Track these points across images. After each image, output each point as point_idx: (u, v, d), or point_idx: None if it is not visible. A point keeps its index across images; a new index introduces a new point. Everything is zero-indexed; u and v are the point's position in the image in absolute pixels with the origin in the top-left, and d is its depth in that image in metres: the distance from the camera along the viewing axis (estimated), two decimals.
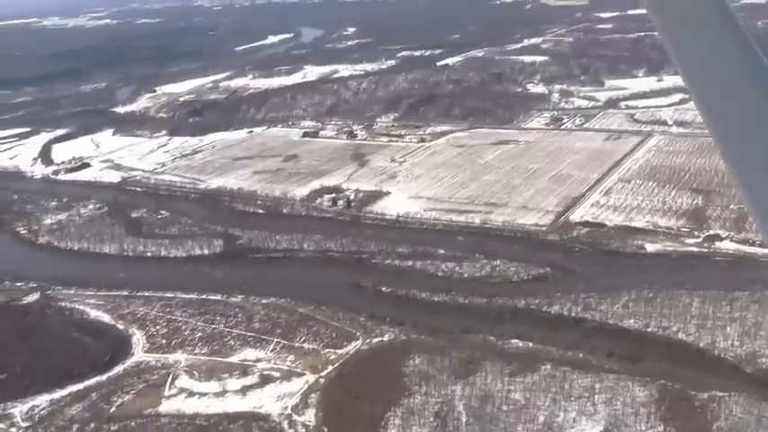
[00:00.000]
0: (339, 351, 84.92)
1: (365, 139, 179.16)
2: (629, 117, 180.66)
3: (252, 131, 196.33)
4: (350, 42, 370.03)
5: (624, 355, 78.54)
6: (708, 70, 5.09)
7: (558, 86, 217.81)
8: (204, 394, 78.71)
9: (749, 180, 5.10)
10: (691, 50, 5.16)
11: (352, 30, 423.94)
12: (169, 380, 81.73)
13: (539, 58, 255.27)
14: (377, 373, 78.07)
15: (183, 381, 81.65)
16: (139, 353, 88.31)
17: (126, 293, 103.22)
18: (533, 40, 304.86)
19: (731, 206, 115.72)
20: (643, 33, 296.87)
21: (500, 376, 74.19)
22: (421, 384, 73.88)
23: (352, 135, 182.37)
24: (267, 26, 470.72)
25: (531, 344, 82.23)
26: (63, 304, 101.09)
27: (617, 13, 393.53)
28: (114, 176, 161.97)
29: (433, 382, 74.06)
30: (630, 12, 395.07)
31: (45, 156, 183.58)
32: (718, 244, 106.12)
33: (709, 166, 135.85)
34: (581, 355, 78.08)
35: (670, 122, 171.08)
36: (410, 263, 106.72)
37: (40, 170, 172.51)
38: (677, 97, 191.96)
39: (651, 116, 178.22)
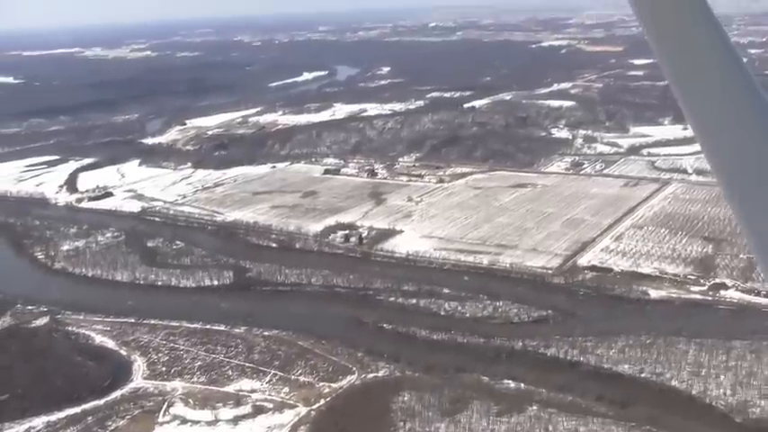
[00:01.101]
0: (333, 385, 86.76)
1: (385, 178, 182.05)
2: (649, 164, 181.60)
3: (275, 167, 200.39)
4: (382, 82, 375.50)
5: (614, 399, 79.36)
6: (688, 69, 5.33)
7: (582, 132, 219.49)
8: (197, 422, 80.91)
9: (731, 179, 5.29)
10: (672, 49, 5.37)
11: (386, 69, 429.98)
12: (164, 407, 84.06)
13: (566, 103, 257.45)
14: (366, 408, 79.73)
15: (178, 408, 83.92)
16: (139, 379, 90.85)
17: (133, 320, 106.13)
18: (563, 85, 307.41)
19: (740, 255, 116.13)
20: None
21: (486, 415, 75.46)
22: (407, 420, 75.33)
23: (372, 173, 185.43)
24: (303, 63, 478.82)
25: (522, 385, 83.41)
26: (70, 328, 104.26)
27: (650, 60, 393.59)
28: (135, 206, 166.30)
29: (419, 418, 75.52)
30: None
31: (70, 184, 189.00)
32: (723, 293, 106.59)
33: (724, 215, 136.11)
34: (570, 398, 79.05)
35: (690, 171, 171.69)
36: (414, 301, 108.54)
37: (64, 198, 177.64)
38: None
39: (672, 164, 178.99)
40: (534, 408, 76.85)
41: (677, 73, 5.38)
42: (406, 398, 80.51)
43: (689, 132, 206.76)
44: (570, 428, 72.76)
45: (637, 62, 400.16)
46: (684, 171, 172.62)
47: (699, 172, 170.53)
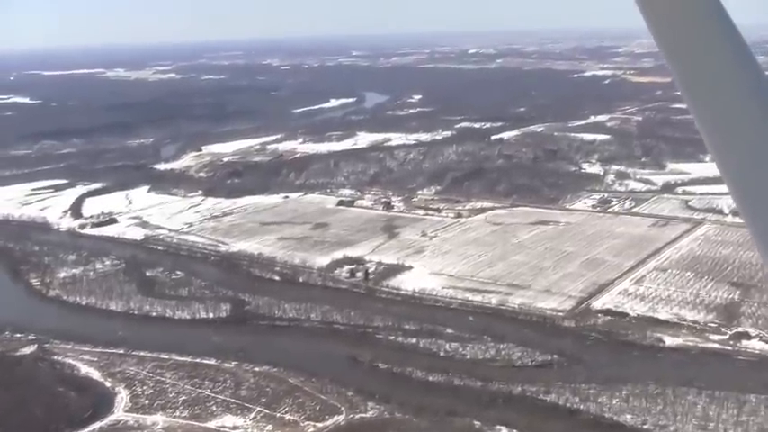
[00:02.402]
0: (318, 424, 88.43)
1: (401, 212, 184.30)
2: (683, 203, 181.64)
3: (287, 197, 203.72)
4: (411, 110, 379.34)
5: None
6: (698, 68, 5.33)
7: (615, 167, 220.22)
8: None
9: (737, 180, 5.35)
10: (681, 48, 5.40)
11: (417, 97, 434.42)
12: None
13: (600, 137, 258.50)
14: None
15: None
16: (120, 411, 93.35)
17: (122, 351, 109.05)
18: (600, 118, 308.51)
19: None
20: None
21: None
22: None
23: (388, 206, 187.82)
24: (331, 89, 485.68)
25: (515, 431, 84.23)
26: (57, 358, 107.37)
27: None
28: (138, 234, 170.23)
29: None
30: None
31: (75, 209, 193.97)
32: (744, 342, 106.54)
33: (756, 259, 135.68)
34: None
35: (726, 211, 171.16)
36: (414, 340, 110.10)
37: (67, 223, 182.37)
38: None
39: (707, 203, 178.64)
40: None
41: (686, 72, 5.44)
42: None
43: None
44: None
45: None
46: (720, 211, 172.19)
47: (736, 213, 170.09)
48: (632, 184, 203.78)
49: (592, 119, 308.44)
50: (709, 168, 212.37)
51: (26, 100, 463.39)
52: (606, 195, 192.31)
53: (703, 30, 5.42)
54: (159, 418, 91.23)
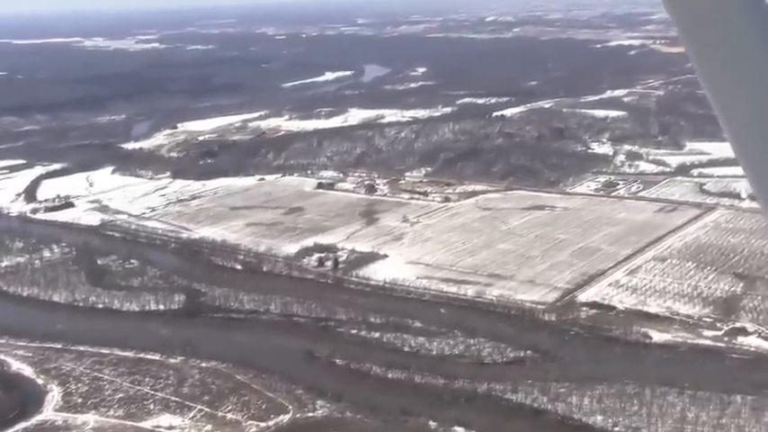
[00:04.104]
0: (261, 424, 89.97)
1: (385, 195, 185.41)
2: (696, 187, 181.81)
3: (263, 179, 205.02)
4: (412, 85, 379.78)
5: None
6: (728, 71, 5.40)
7: (626, 147, 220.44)
8: None
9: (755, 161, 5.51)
10: (710, 49, 5.41)
11: (421, 70, 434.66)
12: None
13: (613, 113, 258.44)
14: None
15: None
16: (49, 411, 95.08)
17: (59, 346, 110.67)
18: (617, 92, 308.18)
19: None
20: None
21: None
22: None
23: (371, 189, 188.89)
24: (328, 61, 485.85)
25: None
26: None
27: None
28: (95, 219, 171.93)
29: None
30: None
31: (29, 192, 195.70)
32: (740, 339, 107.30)
33: None
34: None
35: (744, 195, 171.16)
36: (377, 335, 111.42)
37: (18, 207, 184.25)
38: None
39: (724, 187, 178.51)
40: None
41: (709, 64, 5.50)
42: None
43: None
44: None
45: None
46: (736, 195, 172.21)
47: (753, 197, 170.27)
48: (643, 166, 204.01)
49: (608, 94, 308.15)
50: (730, 148, 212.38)
51: None
52: (612, 178, 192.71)
53: (734, 28, 5.41)
54: (90, 418, 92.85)
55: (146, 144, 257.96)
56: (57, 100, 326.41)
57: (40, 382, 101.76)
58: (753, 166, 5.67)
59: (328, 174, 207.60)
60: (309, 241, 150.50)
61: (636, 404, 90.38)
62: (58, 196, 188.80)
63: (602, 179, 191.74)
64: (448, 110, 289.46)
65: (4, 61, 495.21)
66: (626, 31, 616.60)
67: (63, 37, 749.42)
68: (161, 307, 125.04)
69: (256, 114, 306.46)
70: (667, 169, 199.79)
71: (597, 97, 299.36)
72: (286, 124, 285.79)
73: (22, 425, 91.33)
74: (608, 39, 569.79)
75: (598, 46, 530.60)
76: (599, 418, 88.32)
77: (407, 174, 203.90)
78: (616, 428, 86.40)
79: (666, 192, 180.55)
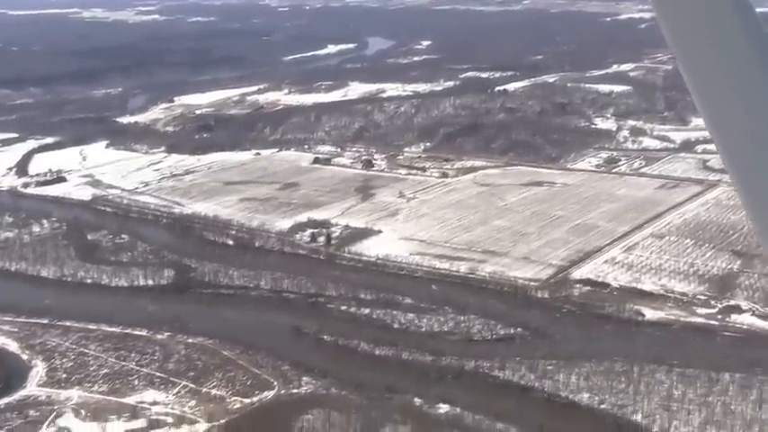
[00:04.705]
0: (246, 400, 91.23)
1: (382, 170, 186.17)
2: (700, 163, 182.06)
3: (259, 153, 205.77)
4: (415, 58, 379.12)
5: (556, 431, 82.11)
6: (717, 75, 5.24)
7: (630, 123, 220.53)
8: None
9: (755, 198, 5.31)
10: (699, 51, 5.29)
11: (426, 43, 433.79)
12: (51, 417, 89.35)
13: (619, 88, 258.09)
14: (269, 427, 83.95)
15: (67, 420, 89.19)
16: (33, 386, 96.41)
17: (46, 322, 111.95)
18: (623, 67, 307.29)
19: None
20: None
21: None
22: None
23: (368, 165, 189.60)
24: (331, 34, 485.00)
25: (457, 410, 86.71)
26: None
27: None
28: (86, 194, 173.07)
29: None
30: None
31: (21, 166, 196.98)
32: (734, 317, 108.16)
33: None
34: (500, 426, 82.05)
35: None
36: (367, 311, 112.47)
37: (9, 182, 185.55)
38: None
39: None
40: None
41: (696, 65, 5.36)
42: (313, 418, 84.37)
43: None
44: None
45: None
46: None
47: None
48: (647, 142, 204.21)
49: (614, 68, 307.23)
50: None
51: None
52: (615, 154, 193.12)
53: (724, 29, 5.26)
54: (74, 393, 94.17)
55: (141, 118, 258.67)
56: (52, 73, 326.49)
57: (24, 357, 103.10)
58: (741, 175, 5.44)
59: (325, 149, 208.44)
60: (303, 217, 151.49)
61: (623, 382, 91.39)
62: (50, 170, 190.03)
63: (603, 155, 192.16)
64: (450, 84, 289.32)
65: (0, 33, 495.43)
66: (637, 4, 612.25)
67: (60, 8, 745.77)
68: (150, 282, 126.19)
69: (255, 88, 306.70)
70: (671, 145, 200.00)
71: (603, 72, 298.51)
72: (285, 98, 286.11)
73: (5, 400, 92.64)
74: (618, 12, 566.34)
75: (608, 19, 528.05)
76: (585, 395, 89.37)
77: (406, 149, 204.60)
78: (602, 406, 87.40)
79: (669, 168, 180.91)
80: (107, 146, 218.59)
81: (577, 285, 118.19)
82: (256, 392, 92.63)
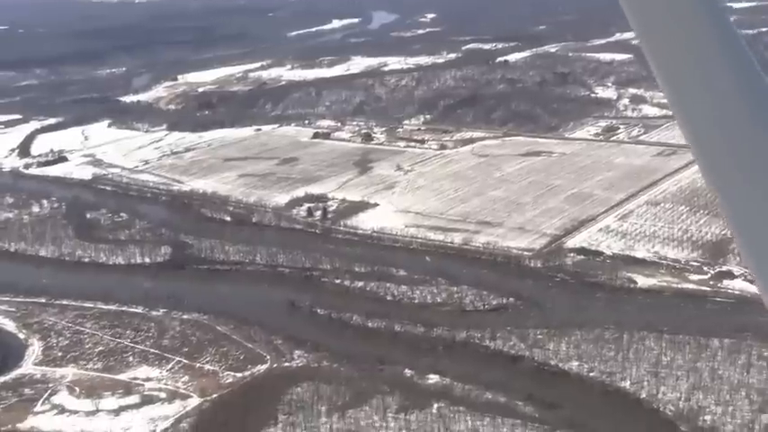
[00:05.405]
0: (239, 374, 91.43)
1: (381, 144, 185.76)
2: None
3: (260, 129, 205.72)
4: (419, 31, 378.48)
5: (545, 399, 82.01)
6: (688, 72, 5.06)
7: (631, 91, 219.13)
8: (75, 412, 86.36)
9: (732, 202, 5.09)
10: (669, 49, 5.11)
11: (430, 16, 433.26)
12: (45, 395, 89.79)
13: (620, 56, 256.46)
14: (259, 400, 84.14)
15: (61, 397, 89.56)
16: (29, 365, 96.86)
17: (43, 301, 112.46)
18: (625, 35, 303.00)
19: None
20: (765, 29, 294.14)
21: (382, 412, 78.98)
22: (291, 414, 79.49)
23: (368, 138, 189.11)
24: (336, 9, 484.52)
25: (447, 380, 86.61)
26: None
27: (754, 4, 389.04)
28: (87, 173, 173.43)
29: (306, 413, 79.50)
30: None
31: (24, 147, 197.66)
32: (726, 282, 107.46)
33: None
34: (489, 396, 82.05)
35: None
36: (361, 284, 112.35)
37: (11, 162, 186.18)
38: None
39: None
40: (442, 405, 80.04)
41: (666, 62, 5.12)
42: (305, 390, 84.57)
43: None
44: (469, 428, 75.81)
45: (736, 5, 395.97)
46: None
47: None
48: (647, 110, 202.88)
49: (616, 36, 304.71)
50: None
51: None
52: (614, 122, 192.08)
53: (694, 28, 5.06)
54: (69, 371, 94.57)
55: (144, 97, 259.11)
56: (57, 54, 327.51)
57: (21, 336, 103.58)
58: (713, 172, 5.20)
59: (327, 123, 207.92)
60: (301, 191, 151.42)
61: (613, 349, 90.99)
62: (52, 151, 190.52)
63: (603, 124, 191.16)
64: (452, 56, 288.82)
65: (6, 15, 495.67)
66: None
67: None
68: (147, 260, 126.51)
69: (258, 65, 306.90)
70: (671, 113, 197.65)
71: (605, 40, 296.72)
72: (288, 74, 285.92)
73: (1, 378, 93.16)
74: None
75: None
76: (575, 364, 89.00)
77: (406, 122, 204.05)
78: (591, 374, 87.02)
79: (667, 135, 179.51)
80: (109, 125, 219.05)
81: (571, 254, 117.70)
82: (249, 367, 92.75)
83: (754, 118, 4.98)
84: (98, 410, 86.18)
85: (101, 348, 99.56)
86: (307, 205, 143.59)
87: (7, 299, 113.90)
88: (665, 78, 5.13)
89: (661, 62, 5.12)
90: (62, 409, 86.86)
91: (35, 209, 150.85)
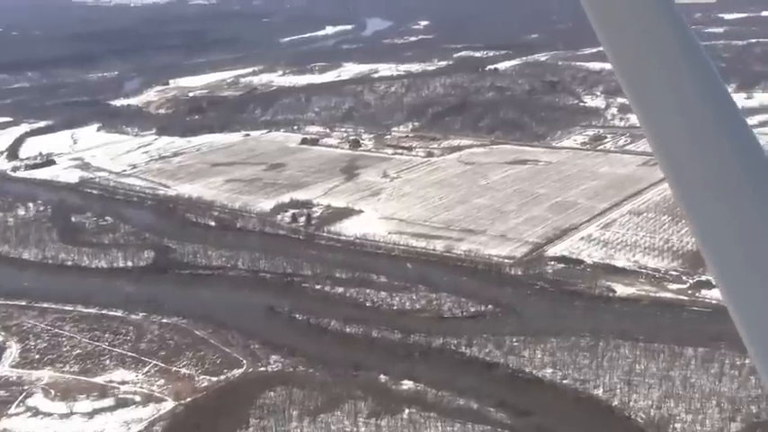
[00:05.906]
0: (214, 378, 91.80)
1: (369, 150, 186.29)
2: None
3: (248, 135, 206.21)
4: (412, 38, 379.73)
5: (517, 406, 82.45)
6: (645, 71, 5.17)
7: (620, 100, 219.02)
8: (49, 415, 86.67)
9: (693, 208, 5.11)
10: (628, 51, 5.25)
11: (424, 23, 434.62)
12: (20, 397, 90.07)
13: (609, 66, 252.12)
14: (233, 404, 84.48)
15: (36, 399, 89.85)
16: (5, 367, 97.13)
17: (23, 303, 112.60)
18: None
19: None
20: (755, 40, 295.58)
21: (353, 417, 79.44)
22: (263, 418, 79.93)
23: (355, 145, 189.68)
24: (331, 15, 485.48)
25: (420, 386, 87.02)
26: None
27: (744, 15, 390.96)
28: (74, 176, 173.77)
29: (277, 417, 79.95)
30: (765, 13, 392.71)
31: (12, 150, 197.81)
32: (704, 292, 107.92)
33: None
34: (461, 402, 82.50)
35: None
36: (341, 290, 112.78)
37: None
38: (763, 117, 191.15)
39: None
40: (412, 410, 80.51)
41: (629, 70, 5.27)
42: (278, 394, 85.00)
43: (753, 102, 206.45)
44: None
45: (727, 17, 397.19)
46: None
47: None
48: (634, 119, 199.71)
49: None
50: (735, 98, 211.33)
51: None
52: (601, 131, 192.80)
53: (651, 30, 5.19)
54: (45, 374, 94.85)
55: (135, 101, 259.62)
56: (50, 57, 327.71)
57: None
58: (676, 172, 5.23)
59: (314, 129, 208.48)
60: (286, 197, 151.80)
61: (588, 357, 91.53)
62: (40, 154, 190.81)
63: (590, 133, 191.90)
64: (443, 64, 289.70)
65: (2, 17, 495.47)
66: None
67: None
68: (129, 264, 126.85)
69: (250, 70, 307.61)
70: None
71: (595, 50, 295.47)
72: (279, 80, 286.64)
73: None
74: None
75: None
76: (549, 371, 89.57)
77: (394, 129, 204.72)
78: (565, 381, 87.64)
79: None
80: (98, 129, 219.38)
81: (551, 262, 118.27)
82: (225, 371, 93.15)
83: (716, 125, 5.04)
84: (72, 413, 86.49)
85: (78, 351, 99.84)
86: (291, 211, 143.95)
87: None
88: (629, 90, 5.34)
89: (625, 73, 5.29)
90: (36, 412, 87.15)
91: (20, 212, 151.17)
